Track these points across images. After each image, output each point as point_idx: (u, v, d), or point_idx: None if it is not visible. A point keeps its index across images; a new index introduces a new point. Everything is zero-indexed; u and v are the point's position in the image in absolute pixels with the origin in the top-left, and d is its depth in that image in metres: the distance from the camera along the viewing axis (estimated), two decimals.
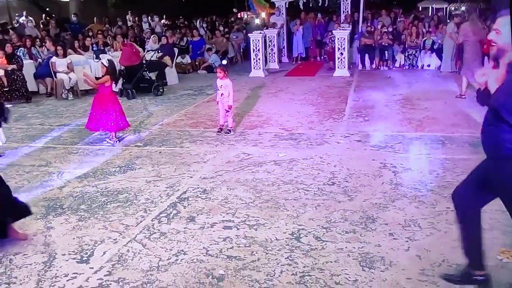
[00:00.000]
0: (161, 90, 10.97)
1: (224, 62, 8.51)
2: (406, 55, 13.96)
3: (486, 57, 12.06)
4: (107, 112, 6.81)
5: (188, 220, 4.39)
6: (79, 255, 3.79)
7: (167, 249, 3.86)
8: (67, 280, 3.43)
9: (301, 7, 18.34)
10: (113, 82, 7.09)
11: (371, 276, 3.39)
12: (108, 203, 4.82)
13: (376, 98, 9.79)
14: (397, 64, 14.15)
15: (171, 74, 12.23)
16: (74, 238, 4.07)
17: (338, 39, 13.05)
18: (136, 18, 19.42)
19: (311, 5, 18.30)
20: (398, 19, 15.91)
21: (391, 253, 3.70)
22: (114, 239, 4.04)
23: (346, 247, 3.82)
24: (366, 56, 14.11)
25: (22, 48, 11.25)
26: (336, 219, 4.34)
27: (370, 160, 5.95)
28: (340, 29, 13.49)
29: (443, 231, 4.02)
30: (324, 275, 3.43)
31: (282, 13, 17.08)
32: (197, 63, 14.82)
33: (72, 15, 19.18)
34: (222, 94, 7.24)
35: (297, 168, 5.78)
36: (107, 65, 6.93)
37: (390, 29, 14.44)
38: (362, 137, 6.99)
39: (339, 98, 9.99)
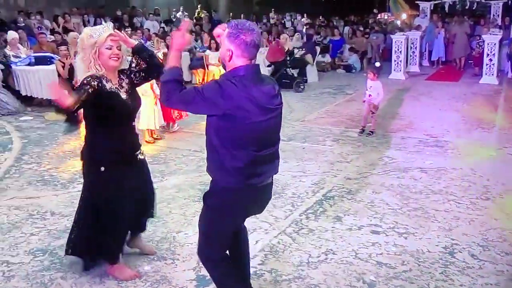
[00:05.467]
0: (302, 87, 11.15)
1: (377, 64, 8.38)
2: None
3: None
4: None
5: (335, 220, 4.41)
6: None
7: (316, 246, 3.92)
8: None
9: (446, 9, 17.44)
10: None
11: None
12: None
13: None
14: None
15: (311, 72, 12.34)
16: None
17: (487, 44, 12.14)
18: (280, 16, 19.91)
19: (457, 8, 17.32)
20: None
21: None
22: (265, 230, 4.19)
23: (507, 270, 3.56)
24: None
25: None
26: (494, 238, 4.05)
27: None
28: (490, 34, 12.53)
29: None
30: None
31: (427, 15, 16.33)
32: (336, 62, 14.79)
33: (213, 12, 20.27)
34: (370, 95, 7.16)
35: (445, 177, 5.51)
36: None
37: None
38: None
39: (488, 106, 9.28)
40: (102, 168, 3.12)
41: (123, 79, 3.21)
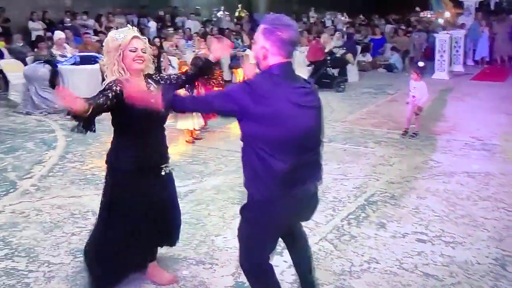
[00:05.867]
0: (343, 86, 10.99)
1: (421, 64, 8.11)
2: None
3: None
4: None
5: (378, 226, 4.26)
6: None
7: (358, 254, 3.79)
8: None
9: (492, 7, 16.85)
10: None
11: None
12: None
13: None
14: None
15: (352, 71, 12.12)
16: None
17: None
18: (320, 15, 19.72)
19: (503, 5, 16.71)
20: None
21: None
22: None
23: None
24: None
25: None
26: None
27: None
28: None
29: None
30: None
31: (471, 13, 15.81)
32: (377, 61, 14.48)
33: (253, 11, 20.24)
34: (414, 96, 6.94)
35: (494, 183, 5.26)
36: None
37: None
38: None
39: None
40: (125, 174, 3.03)
41: (151, 84, 3.11)
